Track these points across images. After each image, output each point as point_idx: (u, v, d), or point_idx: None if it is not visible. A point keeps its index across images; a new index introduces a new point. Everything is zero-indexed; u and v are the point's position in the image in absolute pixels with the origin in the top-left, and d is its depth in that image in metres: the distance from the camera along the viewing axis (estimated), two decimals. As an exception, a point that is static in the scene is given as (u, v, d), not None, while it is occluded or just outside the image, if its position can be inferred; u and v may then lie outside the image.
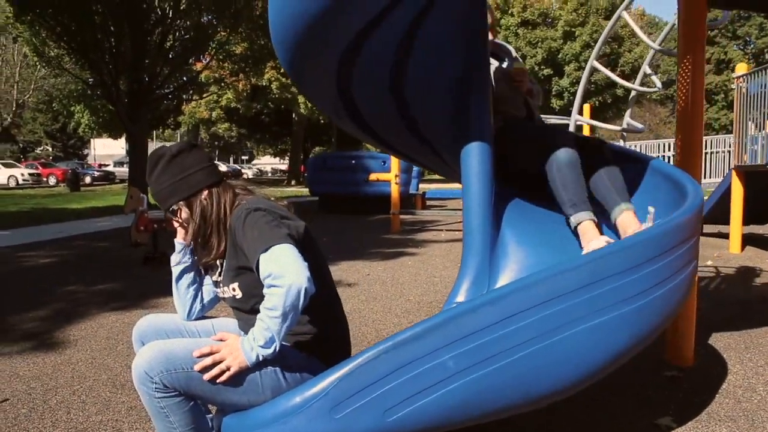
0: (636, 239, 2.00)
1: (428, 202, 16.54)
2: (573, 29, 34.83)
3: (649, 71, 5.51)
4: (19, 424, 2.80)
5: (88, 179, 35.50)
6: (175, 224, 2.13)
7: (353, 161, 13.99)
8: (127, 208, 7.12)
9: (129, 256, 7.66)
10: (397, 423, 1.73)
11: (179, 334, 2.22)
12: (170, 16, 18.57)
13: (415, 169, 14.17)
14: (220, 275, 2.14)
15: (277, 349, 1.81)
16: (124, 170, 34.43)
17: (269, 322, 1.77)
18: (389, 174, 10.78)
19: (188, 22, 19.56)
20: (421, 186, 16.40)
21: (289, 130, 39.55)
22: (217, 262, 2.14)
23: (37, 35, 18.55)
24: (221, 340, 1.88)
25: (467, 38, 2.56)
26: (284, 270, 1.75)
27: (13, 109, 29.12)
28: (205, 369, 1.80)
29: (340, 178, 13.98)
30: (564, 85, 35.06)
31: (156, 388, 1.81)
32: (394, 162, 10.56)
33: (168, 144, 2.15)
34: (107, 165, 45.14)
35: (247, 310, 2.06)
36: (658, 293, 1.97)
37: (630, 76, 31.84)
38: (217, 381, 1.81)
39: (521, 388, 1.84)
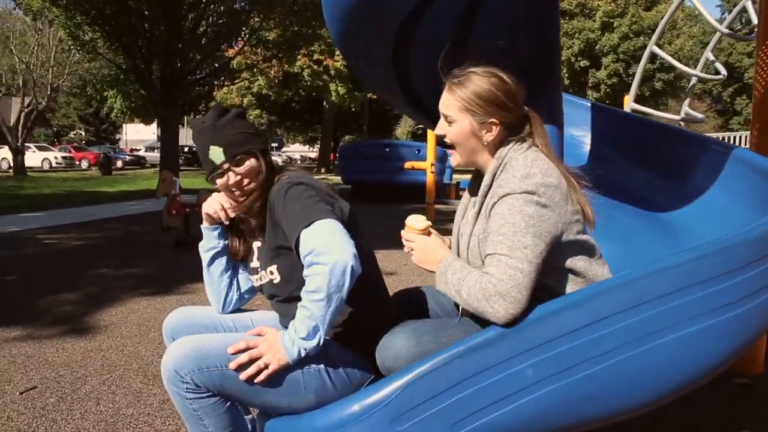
0: (738, 239, 1.75)
1: (462, 192, 16.25)
2: (611, 20, 34.07)
3: (712, 57, 5.16)
4: (47, 414, 2.66)
5: (119, 163, 35.86)
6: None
7: (387, 149, 13.78)
8: (160, 191, 7.02)
9: (160, 240, 7.55)
10: (466, 437, 1.52)
11: (214, 329, 2.03)
12: (204, 1, 18.47)
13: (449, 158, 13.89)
14: (257, 260, 1.95)
15: (322, 341, 1.62)
16: (155, 155, 34.66)
17: (312, 308, 1.58)
18: (425, 162, 10.52)
19: (222, 8, 19.45)
20: (455, 176, 16.12)
21: (320, 117, 39.44)
22: (254, 246, 1.96)
23: (72, 19, 18.61)
24: (259, 335, 1.70)
25: (537, 13, 2.33)
26: (328, 246, 1.57)
27: (48, 93, 29.31)
28: (241, 367, 1.62)
29: (373, 167, 13.77)
30: (601, 77, 34.37)
31: (187, 388, 1.63)
32: (431, 150, 10.30)
33: None
34: (138, 150, 45.50)
35: (285, 297, 1.86)
36: (759, 300, 1.73)
37: (670, 68, 31.16)
38: (255, 381, 1.62)
39: (605, 401, 1.62)
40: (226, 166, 1.84)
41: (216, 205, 1.95)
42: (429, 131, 8.22)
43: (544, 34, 2.36)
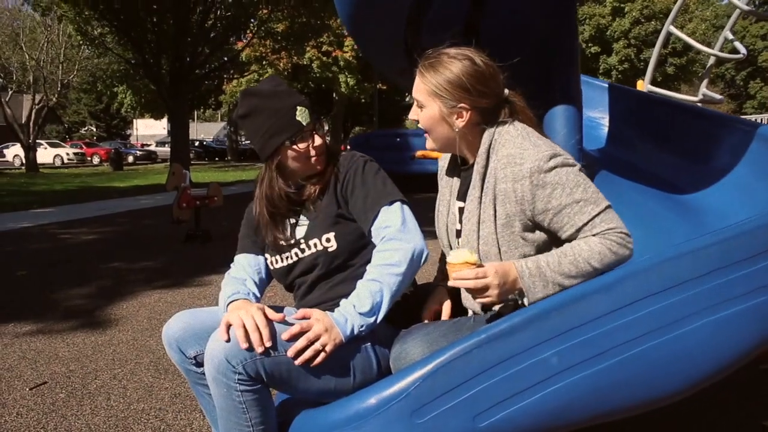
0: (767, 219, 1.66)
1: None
2: (622, 5, 33.68)
3: (731, 36, 5.03)
4: (57, 410, 2.61)
5: (130, 158, 35.94)
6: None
7: (397, 139, 13.70)
8: (170, 184, 6.97)
9: (171, 233, 7.52)
10: (488, 429, 1.45)
11: None
12: (211, -7, 18.39)
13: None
14: (295, 236, 1.82)
15: (379, 319, 1.59)
16: (165, 150, 34.66)
17: (389, 280, 1.61)
18: (436, 151, 10.44)
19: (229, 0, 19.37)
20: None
21: (330, 109, 39.40)
22: (287, 221, 1.84)
23: (81, 14, 18.60)
24: (304, 318, 1.58)
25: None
26: (409, 227, 1.69)
27: (58, 89, 29.39)
28: (298, 353, 1.52)
29: (384, 157, 13.69)
30: (612, 63, 34.06)
31: (240, 378, 1.51)
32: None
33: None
34: (149, 144, 45.60)
35: (335, 266, 1.77)
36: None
37: (682, 52, 30.80)
38: (312, 365, 1.53)
39: (634, 390, 1.54)
40: (311, 126, 1.79)
41: (241, 330, 1.53)
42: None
43: (560, 11, 2.28)
